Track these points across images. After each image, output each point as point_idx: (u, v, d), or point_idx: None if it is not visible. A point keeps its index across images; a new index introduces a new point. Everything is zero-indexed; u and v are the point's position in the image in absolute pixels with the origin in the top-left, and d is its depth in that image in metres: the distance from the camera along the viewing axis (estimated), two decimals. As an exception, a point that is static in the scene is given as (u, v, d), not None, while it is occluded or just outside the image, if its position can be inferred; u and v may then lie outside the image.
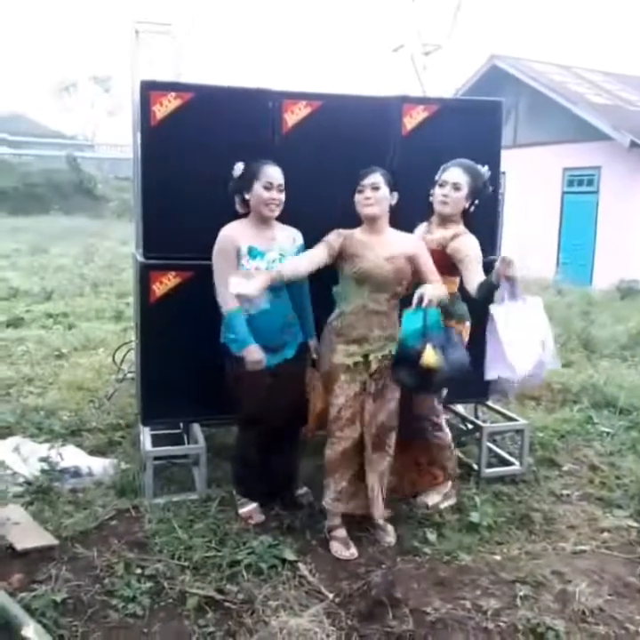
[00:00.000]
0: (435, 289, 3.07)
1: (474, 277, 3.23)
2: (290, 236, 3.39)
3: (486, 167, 3.50)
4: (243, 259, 3.21)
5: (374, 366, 3.17)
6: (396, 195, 3.22)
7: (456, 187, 3.39)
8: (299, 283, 3.38)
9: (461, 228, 3.46)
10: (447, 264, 3.40)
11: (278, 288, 3.25)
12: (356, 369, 3.17)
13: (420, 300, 2.97)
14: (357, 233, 3.20)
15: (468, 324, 3.57)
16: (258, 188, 3.21)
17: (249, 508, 3.43)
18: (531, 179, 14.61)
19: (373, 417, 3.22)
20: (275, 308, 3.29)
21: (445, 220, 3.48)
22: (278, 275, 3.01)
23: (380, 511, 3.32)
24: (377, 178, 3.14)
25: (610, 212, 13.39)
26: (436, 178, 3.47)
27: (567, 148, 14.16)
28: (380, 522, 3.34)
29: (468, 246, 3.36)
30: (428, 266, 3.23)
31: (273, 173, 3.23)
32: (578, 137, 13.86)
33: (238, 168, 3.27)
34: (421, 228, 3.58)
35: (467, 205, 3.46)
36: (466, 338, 3.55)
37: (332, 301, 3.34)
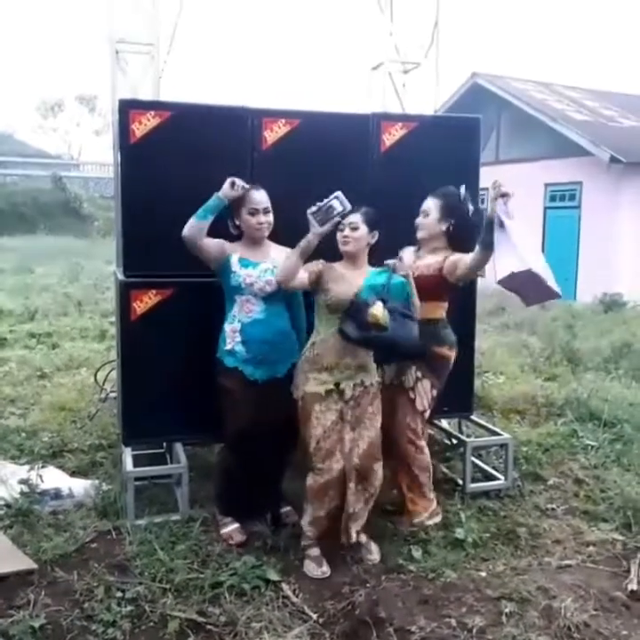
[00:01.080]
0: (416, 301, 3.19)
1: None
2: (282, 255, 3.37)
3: (463, 187, 3.52)
4: (233, 266, 3.27)
5: (348, 394, 3.17)
6: (376, 233, 3.25)
7: (425, 213, 3.54)
8: (296, 303, 3.44)
9: (450, 251, 3.52)
10: (438, 289, 3.49)
11: (274, 301, 3.32)
12: (331, 397, 3.16)
13: (394, 264, 3.16)
14: (337, 265, 3.27)
15: (454, 351, 3.63)
16: (244, 213, 3.28)
17: (230, 528, 3.39)
18: (513, 194, 14.71)
19: (354, 446, 3.18)
20: (268, 319, 3.32)
21: (432, 246, 3.56)
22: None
23: (352, 537, 3.24)
24: (356, 218, 3.20)
25: (592, 226, 13.54)
26: None
27: (549, 165, 14.33)
28: (364, 539, 3.31)
29: (461, 256, 3.43)
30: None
31: (257, 198, 3.28)
32: (559, 153, 14.04)
33: (226, 189, 3.26)
34: (408, 250, 3.57)
35: (443, 228, 3.51)
36: (451, 364, 3.63)
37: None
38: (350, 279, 3.21)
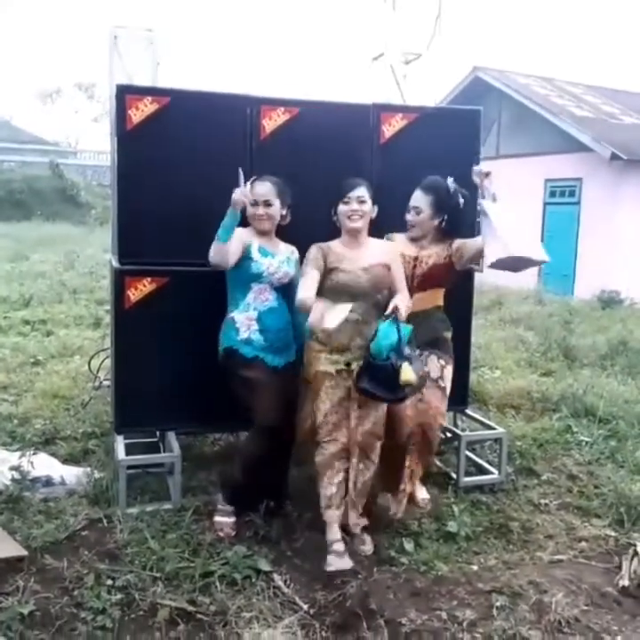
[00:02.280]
0: (405, 300, 3.21)
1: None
2: (289, 250, 3.51)
3: (451, 179, 3.50)
4: (254, 254, 3.30)
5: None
6: (376, 208, 3.27)
7: (417, 211, 3.50)
8: (290, 296, 3.42)
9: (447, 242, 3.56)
10: (448, 275, 3.58)
11: (283, 288, 3.39)
12: (340, 376, 3.19)
13: (394, 311, 3.05)
14: (336, 245, 3.24)
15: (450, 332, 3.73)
16: (248, 204, 3.29)
17: (224, 519, 3.36)
18: (513, 189, 14.67)
19: (359, 424, 3.21)
20: (280, 308, 3.39)
21: (429, 239, 3.57)
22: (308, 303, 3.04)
23: (354, 519, 3.29)
24: (363, 191, 3.19)
25: (591, 223, 13.52)
26: None
27: (549, 160, 14.30)
28: (357, 531, 3.30)
29: (464, 241, 3.52)
30: (399, 276, 3.32)
31: (259, 189, 3.32)
32: (560, 149, 14.00)
33: (240, 177, 3.23)
34: (398, 237, 3.58)
35: (436, 223, 3.51)
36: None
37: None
38: (352, 258, 3.21)
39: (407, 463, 3.58)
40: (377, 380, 3.03)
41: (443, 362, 3.65)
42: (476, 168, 3.48)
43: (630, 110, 16.06)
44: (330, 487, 3.21)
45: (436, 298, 3.62)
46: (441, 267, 3.53)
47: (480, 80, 15.77)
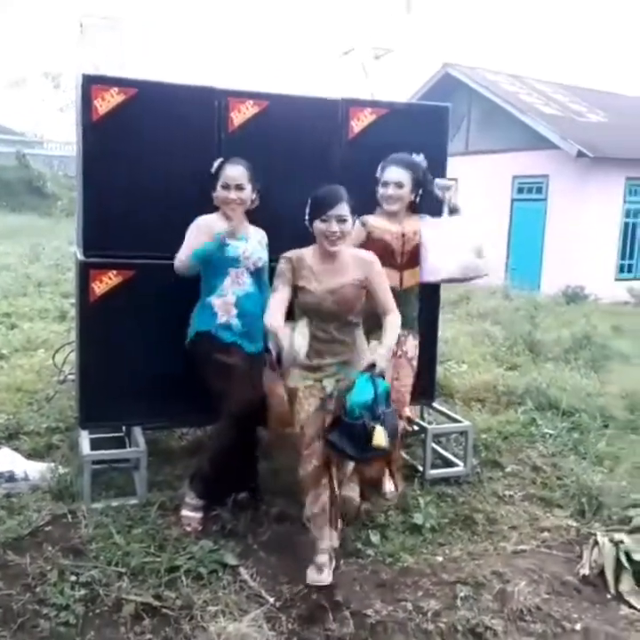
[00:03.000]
0: (386, 353, 2.99)
1: None
2: (258, 234, 3.49)
3: (422, 156, 3.60)
4: (226, 239, 3.25)
5: (329, 389, 3.01)
6: (355, 220, 3.10)
7: (399, 185, 3.52)
8: (264, 282, 3.43)
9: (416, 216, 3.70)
10: (418, 253, 3.67)
11: (257, 272, 3.39)
12: (313, 387, 3.03)
13: (371, 366, 2.87)
14: (308, 256, 3.01)
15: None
16: (218, 186, 3.29)
17: (192, 514, 3.33)
18: (481, 185, 14.86)
19: None
20: (256, 291, 3.38)
21: (402, 214, 3.63)
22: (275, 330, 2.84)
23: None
24: (344, 208, 2.92)
25: (557, 219, 13.73)
26: (378, 176, 3.56)
27: (517, 157, 14.48)
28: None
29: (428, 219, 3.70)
30: (384, 291, 3.08)
31: (230, 172, 3.28)
32: (527, 145, 14.19)
33: (215, 165, 3.29)
34: (371, 218, 3.60)
35: (412, 198, 3.60)
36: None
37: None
38: (321, 276, 2.99)
39: None
40: (347, 436, 2.84)
41: (416, 341, 3.75)
42: (438, 181, 3.57)
43: (597, 108, 16.33)
44: (315, 506, 3.01)
45: (417, 274, 3.70)
46: (418, 245, 3.65)
47: (450, 76, 15.90)
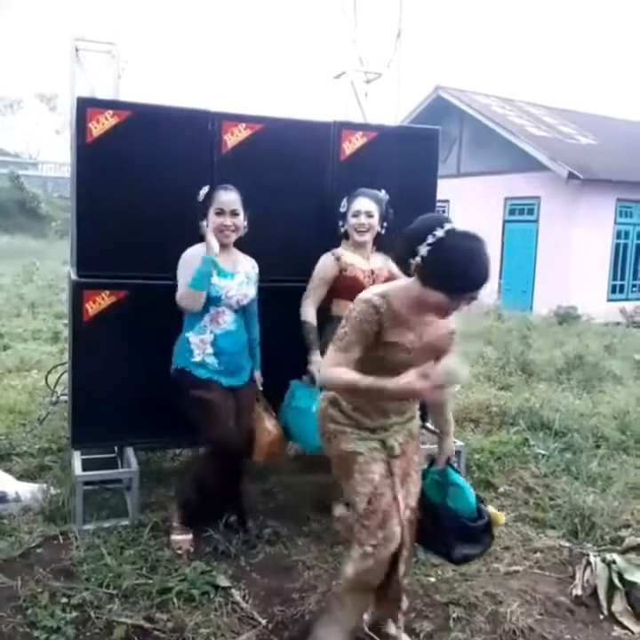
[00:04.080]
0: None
1: None
2: (250, 264, 3.45)
3: (383, 191, 3.62)
4: (213, 277, 3.21)
5: (397, 451, 2.48)
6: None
7: (369, 214, 3.52)
8: (251, 313, 3.46)
9: (381, 254, 3.66)
10: None
11: (241, 312, 3.38)
12: (376, 450, 2.45)
13: (448, 461, 2.66)
14: (395, 300, 2.27)
15: None
16: (211, 214, 3.25)
17: (181, 537, 3.30)
18: (473, 207, 15.00)
19: (406, 506, 2.48)
20: (237, 330, 3.35)
21: (367, 246, 3.61)
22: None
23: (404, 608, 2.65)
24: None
25: (549, 240, 13.86)
26: (342, 209, 3.57)
27: (508, 179, 14.64)
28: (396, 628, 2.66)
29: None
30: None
31: (225, 198, 3.24)
32: (519, 168, 14.35)
33: (202, 193, 3.26)
34: (341, 251, 3.57)
35: (379, 229, 3.59)
36: None
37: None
38: (421, 327, 2.33)
39: None
40: (473, 539, 2.56)
41: None
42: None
43: (586, 131, 16.55)
44: (353, 617, 2.52)
45: None
46: (389, 280, 3.55)
47: (442, 99, 16.11)
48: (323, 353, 3.37)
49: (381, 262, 3.64)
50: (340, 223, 3.59)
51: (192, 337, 3.28)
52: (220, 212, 3.24)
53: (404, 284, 2.30)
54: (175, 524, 3.36)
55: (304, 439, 3.41)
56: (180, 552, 3.24)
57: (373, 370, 2.24)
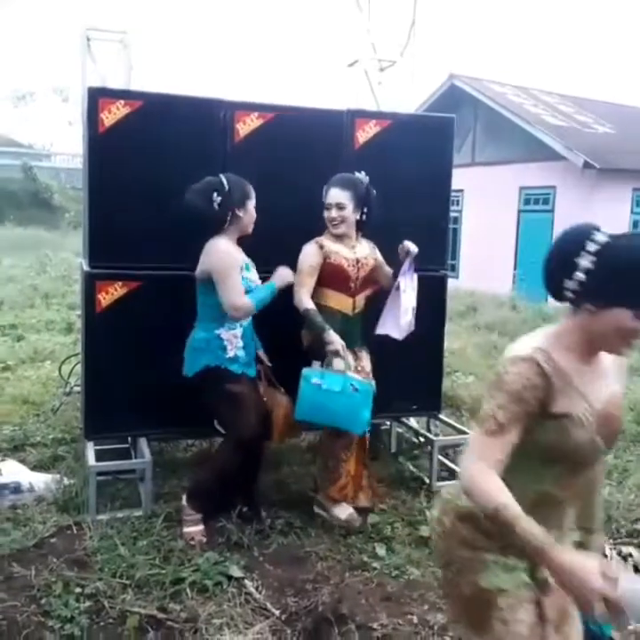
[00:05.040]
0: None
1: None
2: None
3: (363, 173, 3.52)
4: (243, 273, 3.24)
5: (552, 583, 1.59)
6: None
7: (339, 206, 3.44)
8: None
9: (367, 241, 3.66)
10: (376, 278, 3.66)
11: None
12: (523, 588, 1.67)
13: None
14: (557, 354, 1.60)
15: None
16: (250, 206, 3.30)
17: (194, 528, 3.30)
18: (488, 196, 14.89)
19: None
20: (251, 322, 3.39)
21: (351, 237, 3.55)
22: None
23: None
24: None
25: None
26: (324, 198, 3.49)
27: (523, 168, 14.49)
28: None
29: (382, 263, 3.67)
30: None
31: (254, 193, 3.34)
32: (534, 157, 14.20)
33: (225, 182, 3.22)
34: (324, 241, 3.50)
35: (357, 217, 3.51)
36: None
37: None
38: (591, 388, 1.63)
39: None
40: None
41: (369, 355, 3.69)
42: (402, 245, 3.49)
43: (603, 119, 16.34)
44: None
45: (368, 298, 3.66)
46: (375, 268, 3.60)
47: (456, 88, 15.95)
48: (311, 349, 3.44)
49: (368, 250, 3.59)
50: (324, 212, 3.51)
51: (224, 333, 3.26)
52: (254, 207, 3.32)
53: (556, 327, 1.67)
54: (186, 517, 3.33)
55: (341, 421, 3.37)
56: (192, 543, 3.24)
57: (535, 476, 1.63)
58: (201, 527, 3.32)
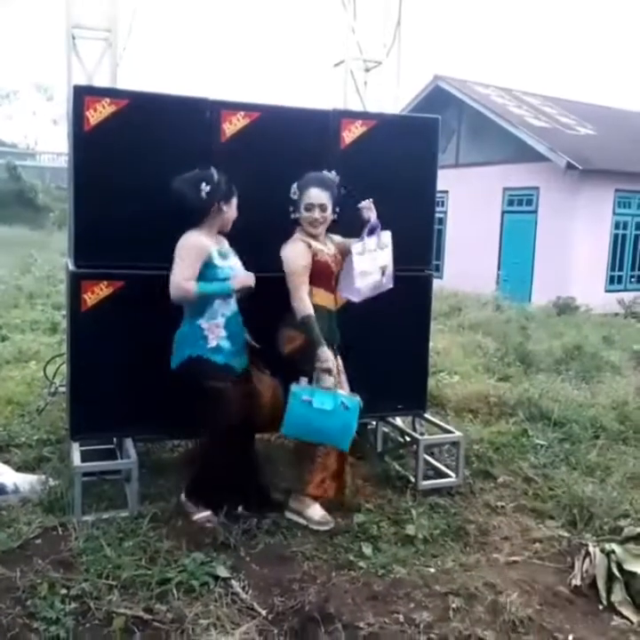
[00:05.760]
0: None
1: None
2: (227, 244, 3.49)
3: (334, 172, 3.53)
4: (216, 260, 3.25)
5: None
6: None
7: (322, 208, 3.43)
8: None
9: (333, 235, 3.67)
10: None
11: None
12: None
13: None
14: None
15: None
16: (234, 203, 3.35)
17: (202, 514, 3.41)
18: (472, 197, 14.97)
19: None
20: (239, 309, 3.42)
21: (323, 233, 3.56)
22: None
23: None
24: None
25: (547, 230, 13.82)
26: (294, 196, 3.46)
27: (507, 169, 14.58)
28: None
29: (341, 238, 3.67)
30: None
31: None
32: (517, 158, 14.29)
33: (215, 175, 3.26)
34: (309, 239, 3.48)
35: (334, 217, 3.52)
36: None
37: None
38: None
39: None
40: None
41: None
42: (363, 203, 3.52)
43: (585, 121, 16.48)
44: None
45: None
46: (344, 260, 3.60)
47: (441, 89, 16.02)
48: (294, 358, 3.43)
49: (334, 246, 3.60)
50: (292, 209, 3.47)
51: (204, 323, 3.30)
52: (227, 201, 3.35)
53: None
54: (189, 509, 3.44)
55: (332, 439, 3.40)
56: (209, 525, 3.34)
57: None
58: (208, 511, 3.40)
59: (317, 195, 3.41)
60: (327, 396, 3.31)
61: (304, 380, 3.36)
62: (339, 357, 3.62)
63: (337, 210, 3.49)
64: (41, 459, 4.19)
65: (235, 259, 3.39)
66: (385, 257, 3.60)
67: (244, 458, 3.50)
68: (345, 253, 3.57)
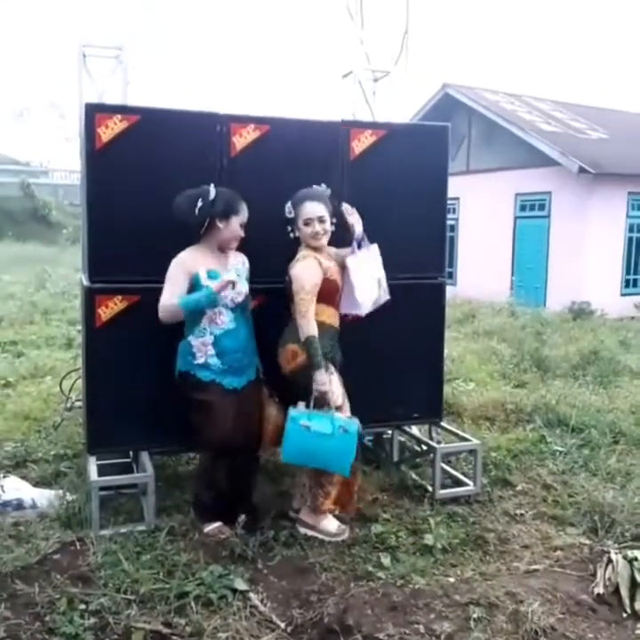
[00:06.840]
0: None
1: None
2: (240, 260, 3.49)
3: (324, 185, 3.50)
4: (203, 281, 3.21)
5: None
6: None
7: (321, 220, 3.39)
8: (247, 312, 3.46)
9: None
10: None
11: (242, 308, 3.38)
12: None
13: None
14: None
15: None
16: (234, 222, 3.31)
17: (214, 525, 3.42)
18: (484, 204, 14.93)
19: None
20: (238, 328, 3.36)
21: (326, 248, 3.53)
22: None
23: None
24: None
25: (560, 235, 13.73)
26: (289, 214, 3.43)
27: (519, 174, 14.52)
28: None
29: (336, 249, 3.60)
30: None
31: (246, 213, 3.35)
32: (529, 163, 14.24)
33: (211, 192, 3.25)
34: (319, 253, 3.45)
35: (332, 228, 3.49)
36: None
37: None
38: None
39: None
40: None
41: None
42: (344, 206, 3.50)
43: (597, 125, 16.41)
44: None
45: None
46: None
47: (450, 96, 16.02)
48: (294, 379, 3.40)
49: (334, 257, 3.55)
50: (290, 229, 3.44)
51: (193, 340, 3.33)
52: (242, 225, 3.35)
53: None
54: (199, 522, 3.47)
55: (331, 464, 3.38)
56: (222, 536, 3.34)
57: None
58: (218, 523, 3.42)
59: (313, 208, 3.38)
60: (325, 420, 3.29)
61: (302, 404, 3.33)
62: (340, 378, 3.53)
63: (334, 221, 3.47)
64: (58, 474, 4.22)
65: (231, 275, 3.27)
66: (378, 269, 3.57)
67: (234, 475, 3.46)
68: (342, 266, 3.52)
